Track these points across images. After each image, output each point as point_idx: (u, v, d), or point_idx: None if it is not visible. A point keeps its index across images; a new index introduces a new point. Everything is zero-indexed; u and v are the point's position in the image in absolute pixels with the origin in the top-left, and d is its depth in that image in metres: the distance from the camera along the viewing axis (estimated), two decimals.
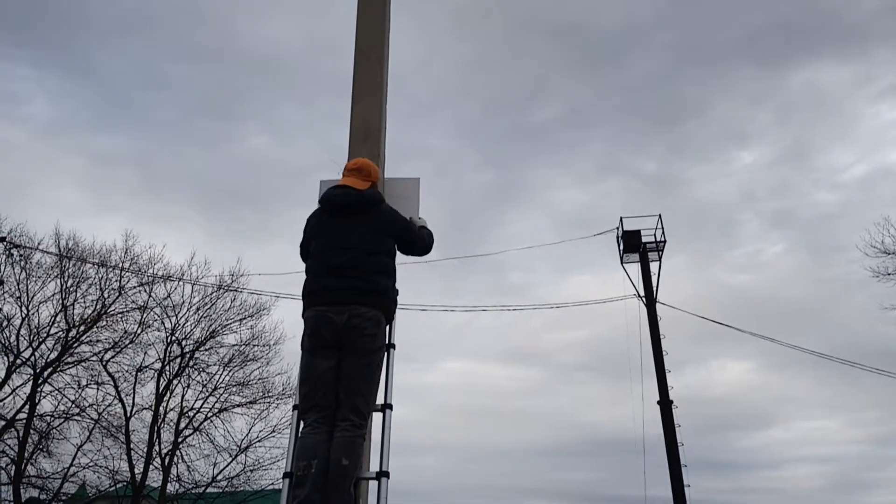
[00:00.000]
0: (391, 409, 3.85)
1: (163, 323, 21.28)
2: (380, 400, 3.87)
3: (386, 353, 3.99)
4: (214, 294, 21.82)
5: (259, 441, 21.33)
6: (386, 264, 4.06)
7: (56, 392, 19.74)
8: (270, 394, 21.73)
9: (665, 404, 18.86)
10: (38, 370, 19.22)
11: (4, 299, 19.33)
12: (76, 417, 19.90)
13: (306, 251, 4.24)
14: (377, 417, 3.86)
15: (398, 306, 4.17)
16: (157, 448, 20.52)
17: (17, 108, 42.49)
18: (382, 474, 3.57)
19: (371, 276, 3.93)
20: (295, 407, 3.90)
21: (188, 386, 21.39)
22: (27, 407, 18.95)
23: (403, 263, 4.37)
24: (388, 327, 4.06)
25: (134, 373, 20.74)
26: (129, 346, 20.64)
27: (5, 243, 18.82)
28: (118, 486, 20.51)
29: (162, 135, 46.24)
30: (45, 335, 19.63)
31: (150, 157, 41.84)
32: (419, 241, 4.37)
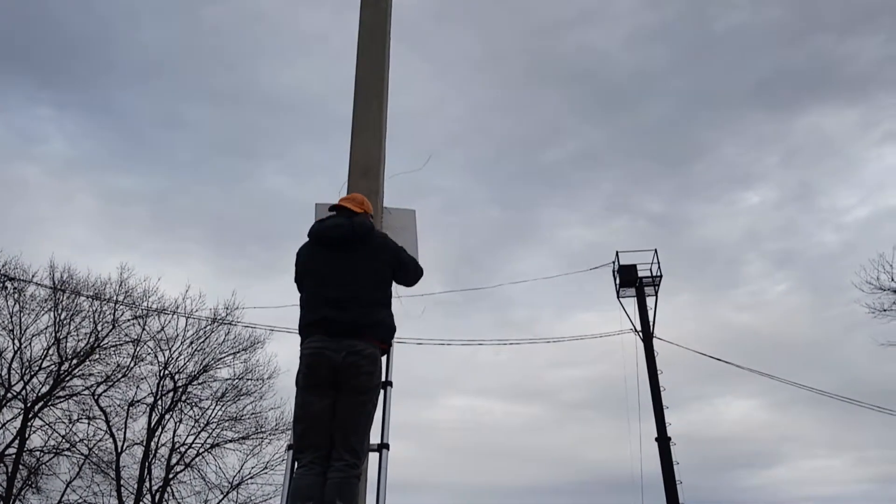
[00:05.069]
0: (387, 450, 3.79)
1: (156, 356, 21.14)
2: (376, 440, 3.81)
3: (382, 391, 3.93)
4: (208, 327, 21.72)
5: (251, 478, 21.04)
6: (383, 295, 4.00)
7: (46, 427, 19.49)
8: (263, 429, 21.50)
9: (662, 441, 18.68)
10: (28, 404, 18.98)
11: None
12: (66, 453, 19.62)
13: (301, 285, 4.14)
14: (373, 457, 3.80)
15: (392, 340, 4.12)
16: (147, 484, 20.20)
17: (36, 147, 43.07)
18: None
19: (369, 309, 3.87)
20: (290, 447, 3.83)
21: (180, 421, 21.16)
22: (17, 442, 18.67)
23: (398, 297, 4.34)
24: (385, 364, 4.01)
25: (126, 407, 20.52)
26: (122, 379, 20.45)
27: None
28: None
29: (179, 174, 46.80)
30: (37, 368, 19.44)
31: (167, 196, 42.20)
32: (412, 268, 4.26)
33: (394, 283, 4.21)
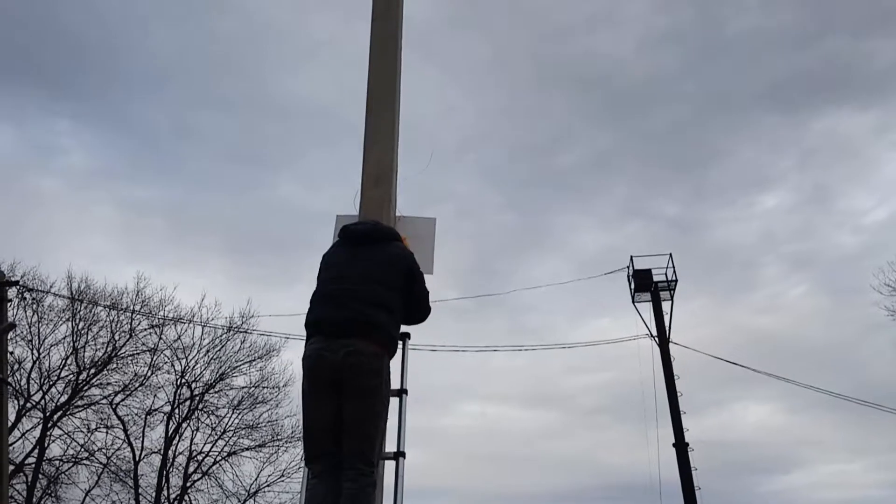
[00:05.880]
0: (404, 458, 3.73)
1: (172, 365, 21.28)
2: (392, 447, 3.77)
3: (398, 399, 3.90)
4: (224, 336, 21.84)
5: (268, 486, 21.12)
6: (386, 297, 3.81)
7: (65, 436, 19.67)
8: (280, 437, 21.59)
9: (680, 447, 18.54)
10: (47, 413, 19.15)
11: (16, 342, 19.37)
12: (85, 462, 19.77)
13: (318, 281, 4.11)
14: (390, 466, 3.77)
15: (407, 348, 4.09)
16: (165, 493, 20.30)
17: (55, 159, 43.62)
18: None
19: (368, 308, 3.72)
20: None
21: (197, 429, 21.29)
22: (36, 451, 18.84)
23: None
24: (400, 372, 3.98)
25: (143, 416, 20.66)
26: (139, 388, 20.61)
27: (18, 287, 18.93)
28: None
29: (193, 183, 47.27)
30: (55, 378, 19.63)
31: (182, 205, 42.57)
32: (423, 298, 4.12)
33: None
